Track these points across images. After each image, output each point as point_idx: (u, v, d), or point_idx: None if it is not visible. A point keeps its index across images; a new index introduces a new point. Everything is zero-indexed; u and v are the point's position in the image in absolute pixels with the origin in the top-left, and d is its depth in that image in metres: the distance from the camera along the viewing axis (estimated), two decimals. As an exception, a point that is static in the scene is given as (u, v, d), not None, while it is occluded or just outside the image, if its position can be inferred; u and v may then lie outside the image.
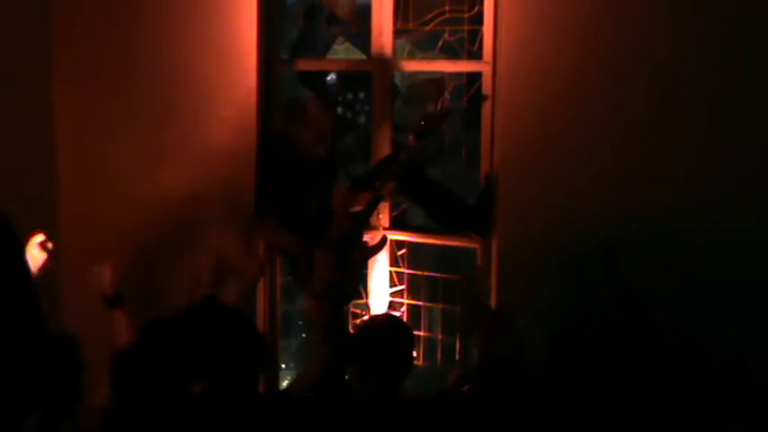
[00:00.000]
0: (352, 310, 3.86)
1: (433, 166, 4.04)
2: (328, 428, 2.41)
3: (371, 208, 3.32)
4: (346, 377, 2.72)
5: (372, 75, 3.58)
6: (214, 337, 2.18)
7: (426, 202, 3.46)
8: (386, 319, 2.90)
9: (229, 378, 2.16)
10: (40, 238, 2.75)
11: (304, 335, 4.44)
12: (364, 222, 3.36)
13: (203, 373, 2.11)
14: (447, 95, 3.78)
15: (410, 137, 3.22)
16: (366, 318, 3.55)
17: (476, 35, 3.45)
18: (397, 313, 3.73)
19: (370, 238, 3.47)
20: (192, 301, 2.53)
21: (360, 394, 2.54)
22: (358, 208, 3.32)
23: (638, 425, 2.34)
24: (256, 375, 2.37)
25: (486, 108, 3.36)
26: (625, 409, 2.34)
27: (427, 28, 3.61)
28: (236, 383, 2.18)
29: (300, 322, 4.46)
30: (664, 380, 2.46)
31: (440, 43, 3.65)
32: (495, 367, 2.62)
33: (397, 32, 3.57)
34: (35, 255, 2.71)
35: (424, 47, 3.70)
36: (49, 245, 2.76)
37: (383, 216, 3.55)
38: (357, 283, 3.40)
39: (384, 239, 3.42)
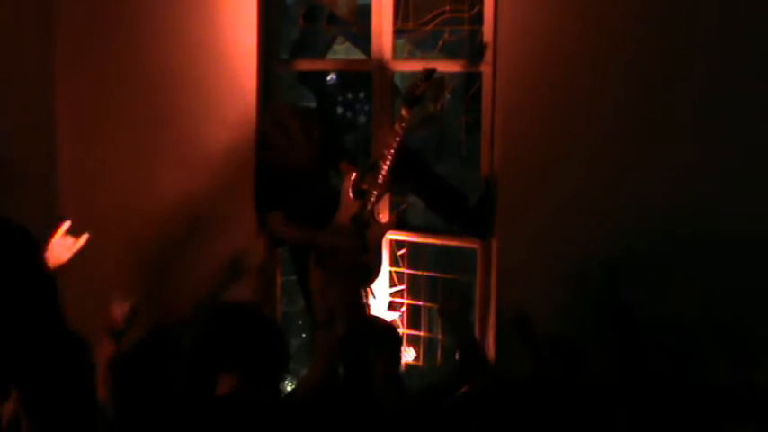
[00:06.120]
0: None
1: (433, 164, 4.03)
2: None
3: (377, 187, 3.28)
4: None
5: (372, 75, 3.58)
6: (237, 338, 2.19)
7: (427, 194, 3.46)
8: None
9: (252, 378, 2.15)
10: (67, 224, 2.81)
11: (304, 335, 4.45)
12: (373, 202, 3.33)
13: (226, 371, 2.11)
14: (447, 95, 3.78)
15: (402, 109, 3.19)
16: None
17: (476, 35, 3.45)
18: (397, 314, 3.73)
19: (381, 217, 3.49)
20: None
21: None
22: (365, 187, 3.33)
23: (635, 427, 2.34)
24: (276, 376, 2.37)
25: (486, 108, 3.37)
26: (621, 410, 2.34)
27: (427, 28, 3.61)
28: (257, 384, 2.17)
29: (300, 322, 4.46)
30: (661, 384, 2.45)
31: (440, 43, 3.65)
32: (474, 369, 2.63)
33: (397, 32, 3.57)
34: (64, 243, 2.76)
35: (424, 47, 3.70)
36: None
37: (383, 215, 3.55)
38: (378, 262, 3.41)
39: (396, 216, 3.51)
